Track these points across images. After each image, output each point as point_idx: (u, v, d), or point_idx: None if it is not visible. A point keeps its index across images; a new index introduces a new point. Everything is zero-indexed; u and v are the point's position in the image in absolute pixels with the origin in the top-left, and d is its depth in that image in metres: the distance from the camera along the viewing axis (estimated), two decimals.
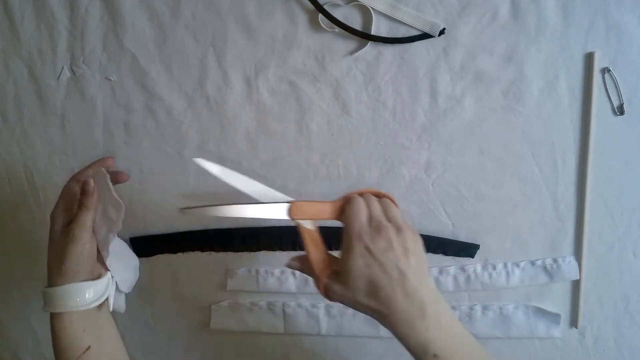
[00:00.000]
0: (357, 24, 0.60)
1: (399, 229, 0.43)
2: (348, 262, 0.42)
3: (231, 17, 0.61)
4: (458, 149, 0.62)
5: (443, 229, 0.64)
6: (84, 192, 0.48)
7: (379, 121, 0.62)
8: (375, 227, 0.43)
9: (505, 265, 0.65)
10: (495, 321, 0.66)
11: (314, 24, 0.60)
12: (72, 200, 0.49)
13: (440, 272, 0.65)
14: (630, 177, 0.62)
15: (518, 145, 0.62)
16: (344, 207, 0.46)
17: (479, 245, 0.64)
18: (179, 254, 0.67)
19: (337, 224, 0.46)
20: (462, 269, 0.65)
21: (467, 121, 0.62)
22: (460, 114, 0.61)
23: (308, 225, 0.46)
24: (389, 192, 0.49)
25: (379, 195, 0.48)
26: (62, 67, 0.63)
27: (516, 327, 0.65)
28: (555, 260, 0.64)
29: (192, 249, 0.67)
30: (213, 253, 0.66)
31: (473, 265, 0.65)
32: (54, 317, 0.48)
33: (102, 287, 0.49)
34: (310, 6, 0.59)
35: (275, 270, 0.66)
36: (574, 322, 0.66)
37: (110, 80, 0.63)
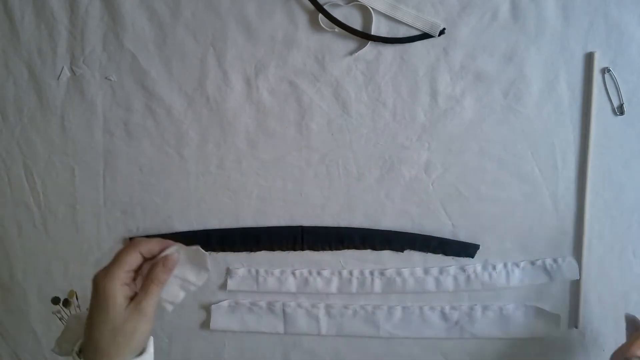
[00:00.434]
0: (357, 24, 0.60)
1: None
2: None
3: (231, 17, 0.61)
4: (458, 149, 0.62)
5: (443, 229, 0.64)
6: (165, 267, 0.45)
7: (379, 121, 0.62)
8: None
9: (505, 265, 0.65)
10: (495, 321, 0.66)
11: (314, 24, 0.60)
12: (133, 272, 0.45)
13: (440, 272, 0.65)
14: (630, 177, 0.62)
15: (518, 145, 0.62)
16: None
17: (479, 245, 0.64)
18: None
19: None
20: (462, 269, 0.65)
21: (467, 121, 0.62)
22: (460, 114, 0.61)
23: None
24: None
25: None
26: (62, 67, 0.63)
27: (516, 327, 0.65)
28: (555, 260, 0.64)
29: None
30: (213, 253, 0.66)
31: (473, 265, 0.65)
32: None
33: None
34: (310, 6, 0.59)
35: (275, 270, 0.66)
36: (574, 322, 0.66)
37: (110, 80, 0.63)
